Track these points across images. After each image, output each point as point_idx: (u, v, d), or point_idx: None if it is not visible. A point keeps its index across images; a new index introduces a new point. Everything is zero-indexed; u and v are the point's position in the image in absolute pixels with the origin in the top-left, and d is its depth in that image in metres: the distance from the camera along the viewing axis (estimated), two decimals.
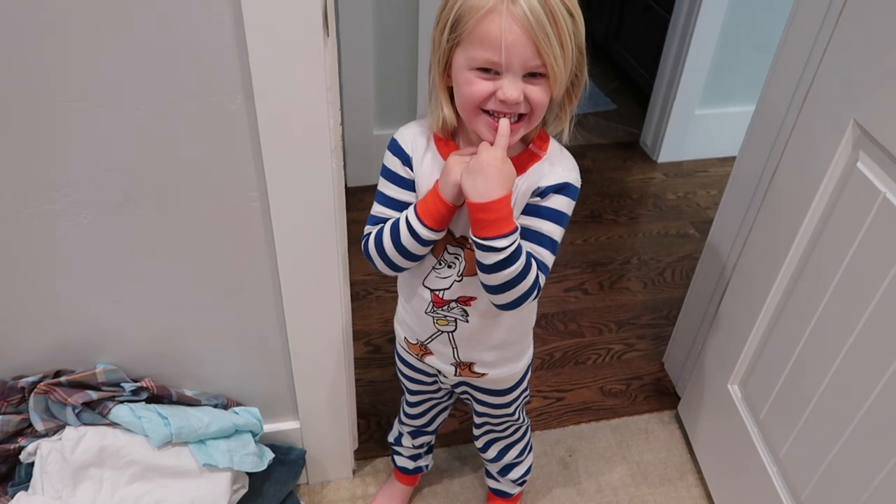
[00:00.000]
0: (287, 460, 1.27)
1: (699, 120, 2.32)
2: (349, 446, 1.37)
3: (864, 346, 0.93)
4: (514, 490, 1.30)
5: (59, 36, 0.80)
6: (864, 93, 0.92)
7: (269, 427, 1.25)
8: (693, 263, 1.53)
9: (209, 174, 0.95)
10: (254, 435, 1.20)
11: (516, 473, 1.26)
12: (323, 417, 1.29)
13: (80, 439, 1.08)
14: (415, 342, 1.04)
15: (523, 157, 0.86)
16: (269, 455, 1.20)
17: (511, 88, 0.76)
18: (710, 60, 2.18)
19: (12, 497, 1.09)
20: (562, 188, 0.85)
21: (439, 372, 1.08)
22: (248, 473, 1.19)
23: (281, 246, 1.04)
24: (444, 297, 0.95)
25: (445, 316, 0.97)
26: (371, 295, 1.81)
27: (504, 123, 0.79)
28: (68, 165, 0.90)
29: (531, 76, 0.77)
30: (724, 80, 2.24)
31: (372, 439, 1.47)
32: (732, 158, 1.33)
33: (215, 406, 1.19)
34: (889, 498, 0.89)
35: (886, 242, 0.88)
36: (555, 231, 0.86)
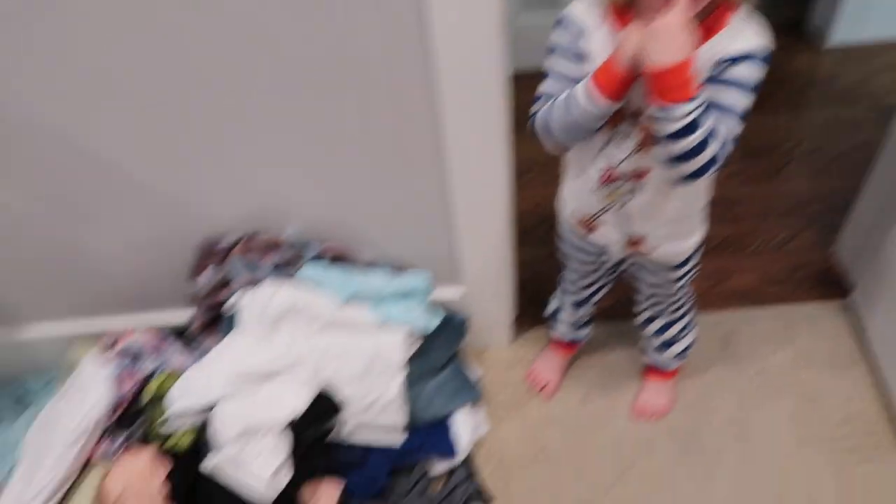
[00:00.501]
0: (453, 324, 1.35)
1: None
2: (508, 315, 1.43)
3: None
4: (673, 365, 1.31)
5: None
6: None
7: (437, 292, 1.33)
8: (867, 153, 1.41)
9: (384, 59, 0.98)
10: (423, 297, 1.28)
11: (677, 349, 1.27)
12: (485, 286, 1.35)
13: (275, 293, 1.20)
14: (582, 218, 1.05)
15: (706, 25, 0.82)
16: (438, 317, 1.28)
17: None
18: None
19: (223, 338, 1.24)
20: (747, 56, 0.82)
21: (605, 248, 1.09)
22: (417, 333, 1.27)
23: (451, 119, 1.06)
24: (617, 172, 0.95)
25: (616, 191, 0.97)
26: (522, 178, 1.82)
27: None
28: (261, 63, 0.97)
29: None
30: None
31: (529, 311, 1.52)
32: None
33: (390, 270, 1.27)
34: None
35: None
36: (740, 101, 0.84)
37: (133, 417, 1.17)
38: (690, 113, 0.78)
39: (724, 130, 0.83)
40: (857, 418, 1.30)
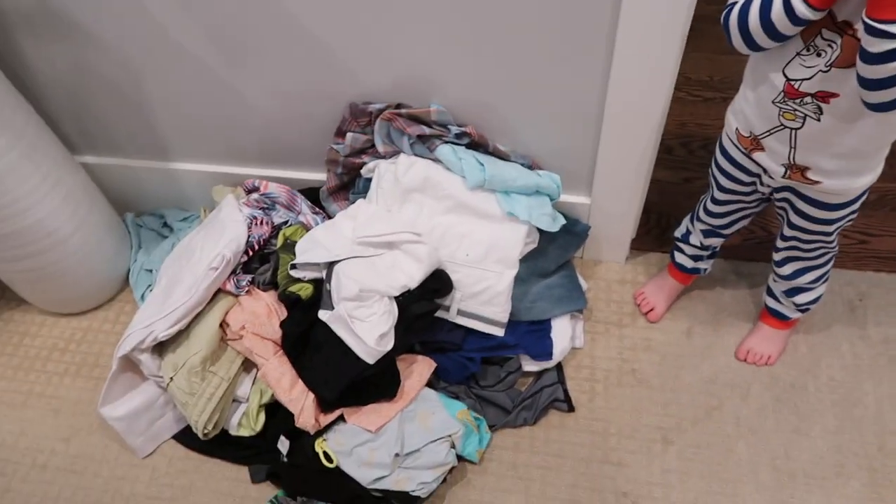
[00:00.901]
0: (573, 231, 1.35)
1: None
2: (630, 233, 1.41)
3: None
4: (794, 315, 1.26)
5: None
6: None
7: (564, 196, 1.32)
8: None
9: None
10: (551, 199, 1.28)
11: (804, 298, 1.21)
12: (614, 199, 1.32)
13: (411, 165, 1.24)
14: (747, 135, 1.00)
15: None
16: (561, 220, 1.28)
17: None
18: None
19: (352, 202, 1.31)
20: None
21: (764, 172, 1.03)
22: (539, 231, 1.28)
23: (625, 19, 1.01)
24: (801, 89, 0.88)
25: (795, 110, 0.90)
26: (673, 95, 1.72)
27: None
28: None
29: None
30: None
31: (649, 234, 1.49)
32: None
33: (523, 164, 1.27)
34: None
35: None
36: None
37: (262, 260, 1.27)
38: None
39: None
40: None
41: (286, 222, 1.30)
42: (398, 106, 1.25)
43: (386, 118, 1.24)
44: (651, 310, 1.36)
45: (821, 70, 0.85)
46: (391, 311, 1.14)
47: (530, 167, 1.29)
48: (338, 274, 1.16)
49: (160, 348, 1.18)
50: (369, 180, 1.30)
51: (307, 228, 1.29)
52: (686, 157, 1.62)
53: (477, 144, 1.26)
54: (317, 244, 1.21)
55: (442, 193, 1.24)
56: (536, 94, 1.18)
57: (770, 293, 1.27)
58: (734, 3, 0.86)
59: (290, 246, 1.23)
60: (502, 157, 1.27)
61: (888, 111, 0.78)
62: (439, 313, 1.22)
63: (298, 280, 1.21)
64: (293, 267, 1.20)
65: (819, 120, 0.89)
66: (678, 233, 1.32)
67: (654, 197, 1.54)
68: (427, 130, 1.23)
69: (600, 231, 1.38)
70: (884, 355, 1.29)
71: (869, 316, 1.34)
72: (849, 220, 1.07)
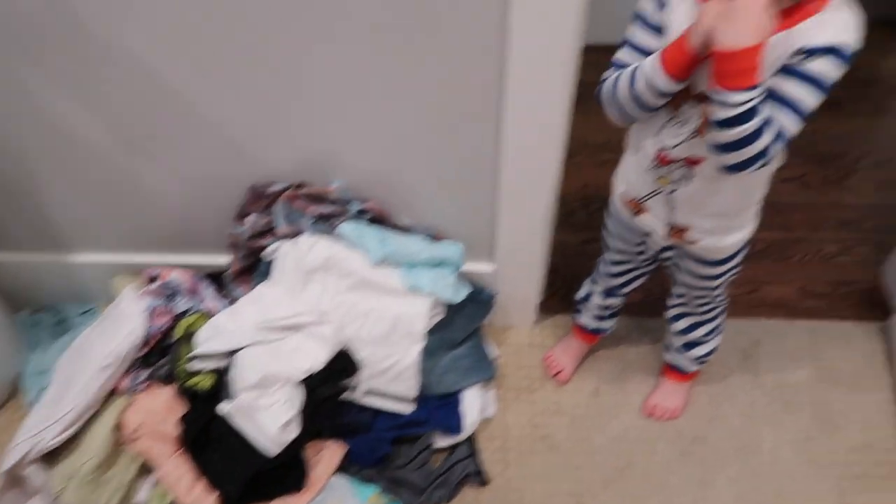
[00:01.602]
0: (479, 299, 1.37)
1: None
2: (536, 297, 1.44)
3: None
4: (693, 367, 1.31)
5: None
6: None
7: (467, 266, 1.34)
8: None
9: (452, 5, 0.97)
10: (454, 269, 1.30)
11: (699, 352, 1.27)
12: (517, 265, 1.36)
13: (313, 245, 1.24)
14: (632, 198, 1.05)
15: (797, 8, 0.78)
16: (466, 290, 1.30)
17: None
18: None
19: (255, 285, 1.30)
20: (830, 51, 0.78)
21: (650, 233, 1.09)
22: (444, 303, 1.30)
23: (513, 88, 1.05)
24: (671, 156, 0.94)
25: (668, 175, 0.96)
26: (572, 159, 1.76)
27: None
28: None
29: None
30: None
31: (555, 296, 1.52)
32: None
33: (425, 237, 1.29)
34: None
35: None
36: (807, 98, 0.80)
37: (161, 354, 1.24)
38: (747, 102, 0.76)
39: (781, 126, 0.81)
40: (871, 446, 1.29)
41: (188, 310, 1.27)
42: (299, 185, 1.26)
43: (286, 198, 1.24)
44: (559, 372, 1.39)
45: (686, 138, 0.91)
46: (295, 397, 1.13)
47: (433, 238, 1.31)
48: (239, 362, 1.14)
49: (50, 457, 1.12)
50: (271, 263, 1.29)
51: (211, 315, 1.26)
52: (587, 219, 1.69)
53: (379, 220, 1.28)
54: (218, 332, 1.19)
55: (345, 271, 1.25)
56: (434, 166, 1.22)
57: (668, 348, 1.32)
58: (606, 78, 0.92)
59: (190, 336, 1.21)
60: (405, 230, 1.29)
61: (741, 172, 0.84)
62: (347, 394, 1.22)
63: (199, 371, 1.18)
64: (193, 358, 1.17)
65: (690, 183, 0.95)
66: (580, 294, 1.36)
67: (559, 259, 1.58)
68: (328, 209, 1.24)
69: (506, 297, 1.41)
70: (778, 400, 1.35)
71: (762, 363, 1.41)
72: (732, 275, 1.13)
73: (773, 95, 0.80)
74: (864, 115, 1.89)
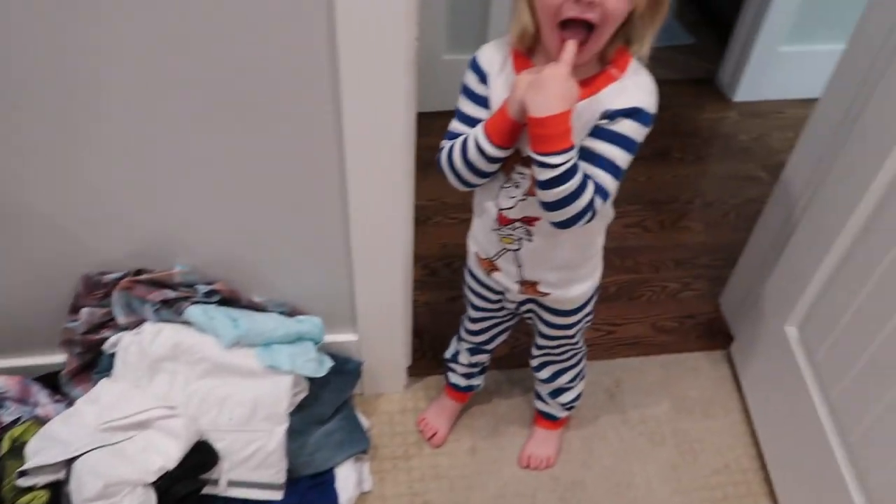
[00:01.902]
0: (344, 370, 1.33)
1: (783, 58, 2.19)
2: (403, 362, 1.43)
3: None
4: (562, 414, 1.34)
5: None
6: None
7: (329, 337, 1.31)
8: (759, 207, 1.49)
9: (289, 87, 0.97)
10: (315, 343, 1.26)
11: (566, 398, 1.30)
12: (380, 332, 1.34)
13: (157, 334, 1.16)
14: (484, 257, 1.08)
15: (598, 76, 0.86)
16: (329, 363, 1.26)
17: None
18: None
19: (96, 383, 1.19)
20: (631, 113, 0.85)
21: (505, 290, 1.12)
22: (307, 379, 1.26)
23: (352, 160, 1.06)
24: (510, 216, 0.98)
25: (510, 234, 1.00)
26: (431, 220, 1.84)
27: (570, 44, 0.79)
28: (158, 75, 0.94)
29: None
30: (814, 16, 2.10)
31: (424, 358, 1.52)
32: (814, 101, 1.27)
33: (280, 313, 1.25)
34: None
35: None
36: (618, 156, 0.86)
37: None
38: (563, 164, 0.81)
39: (599, 184, 0.86)
40: (730, 467, 1.37)
41: (18, 419, 1.14)
42: (138, 272, 1.19)
43: (124, 287, 1.17)
44: (434, 434, 1.37)
45: (520, 199, 0.95)
46: (148, 500, 1.03)
47: (290, 314, 1.27)
48: (78, 471, 1.03)
49: None
50: (113, 356, 1.19)
51: (45, 422, 1.14)
52: (450, 277, 1.71)
53: (229, 300, 1.23)
54: (53, 440, 1.07)
55: (196, 357, 1.18)
56: (283, 241, 1.19)
57: (538, 397, 1.35)
58: (443, 148, 0.96)
59: (18, 449, 1.08)
60: (258, 308, 1.24)
61: (571, 227, 0.88)
62: (207, 489, 1.13)
63: (31, 489, 1.05)
64: (23, 474, 1.04)
65: (531, 241, 0.99)
66: (448, 354, 1.36)
67: (425, 320, 1.59)
68: (172, 294, 1.18)
69: (374, 365, 1.39)
70: (643, 435, 1.41)
71: (626, 400, 1.47)
72: (587, 322, 1.17)
73: (588, 156, 0.86)
74: (689, 162, 2.08)
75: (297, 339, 1.24)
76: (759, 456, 1.37)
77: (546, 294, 1.07)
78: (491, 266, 1.08)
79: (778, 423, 1.31)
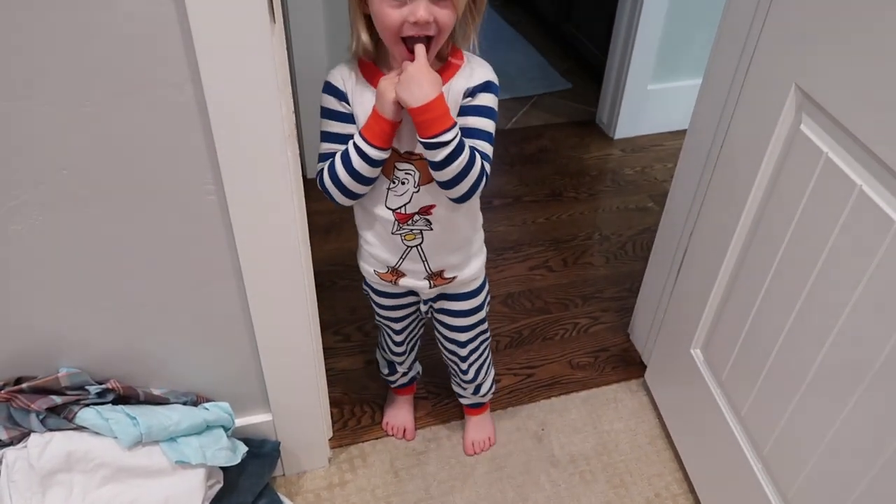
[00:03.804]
0: (261, 453, 1.27)
1: (652, 95, 2.35)
2: (323, 436, 1.37)
3: (814, 304, 0.96)
4: (486, 399, 1.43)
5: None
6: (803, 58, 0.95)
7: (241, 421, 1.25)
8: (653, 236, 1.56)
9: (163, 169, 0.94)
10: (226, 430, 1.19)
11: (485, 388, 1.38)
12: (295, 409, 1.29)
13: (46, 445, 1.06)
14: (385, 270, 1.12)
15: (445, 68, 0.96)
16: (243, 449, 1.20)
17: (421, 10, 0.85)
18: (659, 36, 2.21)
19: None
20: (486, 86, 0.96)
21: (414, 292, 1.18)
22: (222, 468, 1.18)
23: (241, 238, 1.03)
24: (407, 212, 1.03)
25: (411, 230, 1.05)
26: (336, 285, 1.81)
27: (420, 48, 0.88)
28: (15, 165, 0.88)
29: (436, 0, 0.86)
30: (674, 55, 2.28)
31: (346, 427, 1.47)
32: (685, 131, 1.36)
33: (185, 403, 1.18)
34: (843, 449, 0.93)
35: (831, 201, 0.91)
36: (488, 124, 0.97)
37: None
38: (453, 139, 0.89)
39: (482, 151, 0.96)
40: (661, 495, 1.38)
41: None
42: (18, 381, 1.08)
43: (2, 399, 1.06)
44: (404, 431, 1.45)
45: (412, 192, 1.01)
46: None
47: (195, 403, 1.20)
48: None
49: None
50: None
51: None
52: (364, 341, 1.68)
53: (126, 397, 1.14)
54: None
55: (94, 464, 1.08)
56: (177, 327, 1.12)
57: (461, 396, 1.42)
58: (322, 169, 0.99)
59: None
60: (159, 402, 1.16)
61: (472, 197, 0.97)
62: None
63: None
64: None
65: (432, 229, 1.06)
66: (384, 371, 1.42)
67: (343, 387, 1.55)
68: (59, 399, 1.08)
69: (292, 443, 1.32)
70: (574, 475, 1.40)
71: (553, 441, 1.47)
72: (488, 300, 1.24)
73: (465, 132, 0.94)
74: (583, 200, 2.17)
75: (206, 428, 1.17)
76: (687, 479, 1.39)
77: (452, 279, 1.13)
78: (396, 274, 1.12)
79: (699, 446, 1.35)
